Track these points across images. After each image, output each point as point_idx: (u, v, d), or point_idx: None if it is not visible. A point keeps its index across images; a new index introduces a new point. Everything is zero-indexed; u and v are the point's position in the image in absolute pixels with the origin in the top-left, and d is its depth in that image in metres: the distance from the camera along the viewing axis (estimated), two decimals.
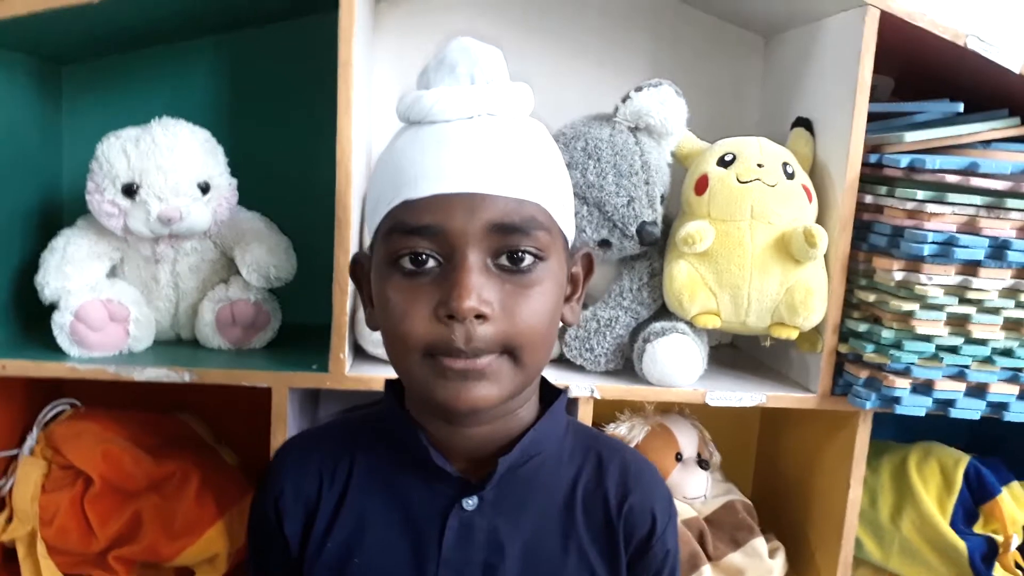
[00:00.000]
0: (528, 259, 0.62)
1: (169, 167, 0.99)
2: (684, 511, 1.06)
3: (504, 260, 0.61)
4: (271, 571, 0.72)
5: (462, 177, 0.60)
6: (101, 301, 0.99)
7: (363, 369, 1.00)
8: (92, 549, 1.00)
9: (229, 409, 1.12)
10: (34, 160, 1.13)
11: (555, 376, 1.02)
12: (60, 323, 0.98)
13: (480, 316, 0.60)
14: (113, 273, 1.07)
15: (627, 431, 1.08)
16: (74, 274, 1.01)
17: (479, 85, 0.63)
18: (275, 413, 0.98)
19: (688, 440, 1.11)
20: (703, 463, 1.11)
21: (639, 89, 1.02)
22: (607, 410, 1.10)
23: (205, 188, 1.02)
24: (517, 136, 0.63)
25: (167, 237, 1.04)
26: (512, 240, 0.61)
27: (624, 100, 1.02)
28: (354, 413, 0.79)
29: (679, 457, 1.10)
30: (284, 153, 1.20)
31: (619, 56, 1.23)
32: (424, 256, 0.61)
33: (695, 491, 1.09)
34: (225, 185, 1.05)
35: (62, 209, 1.19)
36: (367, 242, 0.69)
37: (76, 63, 1.19)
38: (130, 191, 0.99)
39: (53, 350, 0.99)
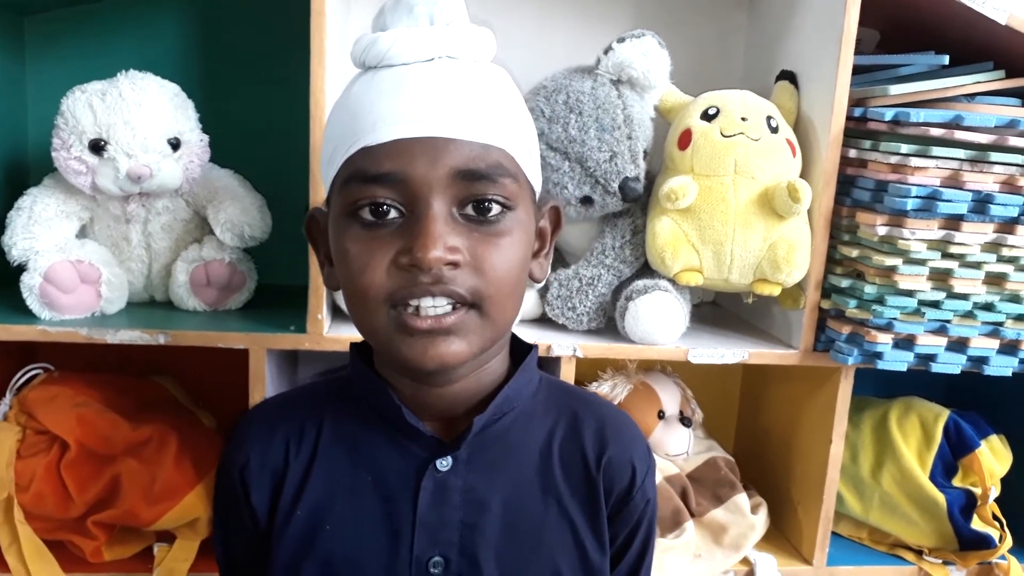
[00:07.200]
0: (496, 208, 0.59)
1: (137, 122, 0.96)
2: (666, 468, 1.07)
3: (470, 210, 0.59)
4: (237, 542, 0.70)
5: (423, 120, 0.58)
6: (71, 262, 0.97)
7: (342, 330, 0.99)
8: (70, 514, 0.99)
9: (206, 372, 1.10)
10: None
11: (537, 335, 1.02)
12: (29, 285, 0.96)
13: (450, 264, 0.57)
14: (83, 233, 1.04)
15: (609, 389, 1.08)
16: (42, 234, 0.98)
17: (438, 26, 0.60)
18: (253, 375, 0.97)
19: (670, 398, 1.11)
20: (685, 420, 1.11)
21: (621, 40, 0.99)
22: (590, 369, 1.10)
23: (175, 144, 0.99)
24: (479, 79, 0.61)
25: (138, 195, 1.01)
26: (478, 188, 0.59)
27: (606, 51, 1.00)
28: (321, 379, 0.77)
29: (661, 415, 1.10)
30: (257, 107, 1.17)
31: (602, 7, 1.20)
32: (385, 207, 0.58)
33: (677, 448, 1.09)
34: (196, 141, 1.02)
35: (28, 167, 1.16)
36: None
37: (39, 13, 1.15)
38: (97, 147, 0.96)
39: (23, 313, 0.97)
